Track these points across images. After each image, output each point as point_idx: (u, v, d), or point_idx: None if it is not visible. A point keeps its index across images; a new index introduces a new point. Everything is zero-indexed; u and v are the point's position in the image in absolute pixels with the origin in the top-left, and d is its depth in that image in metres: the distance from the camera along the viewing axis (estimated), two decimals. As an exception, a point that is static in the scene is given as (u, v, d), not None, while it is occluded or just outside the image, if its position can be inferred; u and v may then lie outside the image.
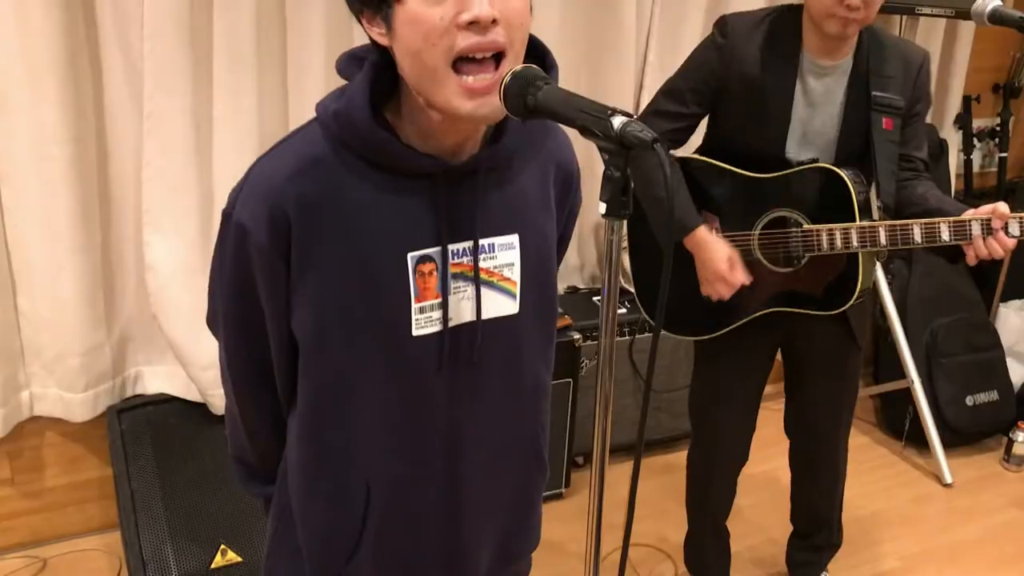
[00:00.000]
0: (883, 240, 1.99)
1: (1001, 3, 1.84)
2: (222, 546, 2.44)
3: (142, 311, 2.57)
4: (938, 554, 2.86)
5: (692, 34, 3.04)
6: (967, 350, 3.40)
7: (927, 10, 2.97)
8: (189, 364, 2.53)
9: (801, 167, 2.07)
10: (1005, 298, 3.65)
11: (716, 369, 2.32)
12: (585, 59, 2.91)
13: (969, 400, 3.36)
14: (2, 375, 2.42)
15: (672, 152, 2.18)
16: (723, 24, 2.09)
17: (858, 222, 2.01)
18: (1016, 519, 3.05)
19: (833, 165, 2.05)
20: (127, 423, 2.56)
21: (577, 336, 2.83)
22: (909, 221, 1.98)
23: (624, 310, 3.03)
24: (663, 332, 2.35)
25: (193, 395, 2.61)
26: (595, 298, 3.13)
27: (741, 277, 2.08)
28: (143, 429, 2.56)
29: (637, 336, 3.02)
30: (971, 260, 1.92)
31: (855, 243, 2.01)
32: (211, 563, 2.42)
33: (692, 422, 2.43)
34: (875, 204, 2.07)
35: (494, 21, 1.00)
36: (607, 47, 2.90)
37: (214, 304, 1.23)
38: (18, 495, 2.63)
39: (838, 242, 2.03)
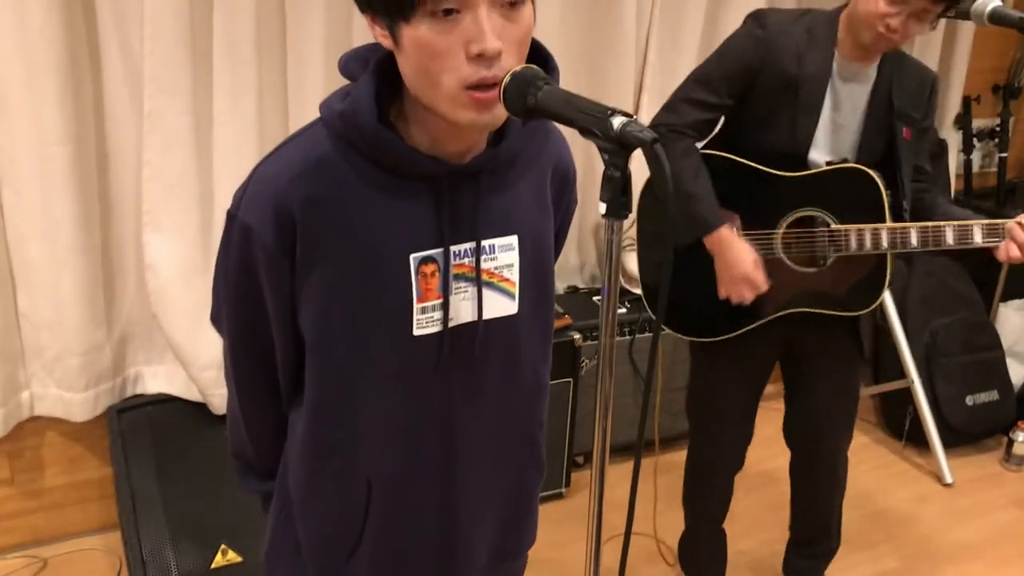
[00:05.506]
0: (915, 242, 1.97)
1: (1001, 3, 1.84)
2: (222, 546, 2.44)
3: (142, 311, 2.57)
4: (938, 554, 2.86)
5: (692, 34, 3.04)
6: (967, 350, 3.40)
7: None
8: (189, 364, 2.53)
9: (832, 166, 2.04)
10: (1005, 298, 3.65)
11: (717, 372, 2.30)
12: (585, 59, 2.91)
13: (969, 400, 3.36)
14: (2, 375, 2.42)
15: (696, 146, 2.14)
16: (761, 16, 2.06)
17: (889, 223, 1.99)
18: (1016, 519, 3.05)
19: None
20: (127, 423, 2.56)
21: (577, 336, 2.83)
22: (942, 223, 1.95)
23: (624, 310, 3.04)
24: (665, 331, 2.35)
25: (193, 395, 2.61)
26: (595, 298, 3.13)
27: (764, 281, 2.06)
28: (143, 429, 2.56)
29: (637, 336, 3.02)
30: (1002, 257, 1.90)
31: (885, 244, 1.99)
32: (211, 563, 2.42)
33: (690, 424, 2.42)
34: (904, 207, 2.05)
35: (499, 53, 1.01)
36: (607, 47, 2.90)
37: (218, 301, 1.24)
38: (18, 495, 2.63)
39: (867, 243, 2.01)
